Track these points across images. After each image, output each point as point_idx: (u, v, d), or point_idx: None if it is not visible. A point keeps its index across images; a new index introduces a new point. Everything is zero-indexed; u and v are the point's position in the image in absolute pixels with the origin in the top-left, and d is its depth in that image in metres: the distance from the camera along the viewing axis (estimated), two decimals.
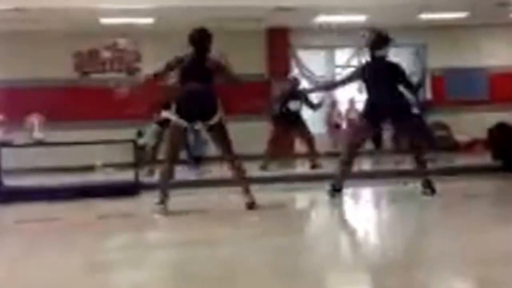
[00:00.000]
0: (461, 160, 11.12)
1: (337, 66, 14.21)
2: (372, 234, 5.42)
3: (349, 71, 7.21)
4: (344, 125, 13.86)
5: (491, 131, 10.15)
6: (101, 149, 10.01)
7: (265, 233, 5.18)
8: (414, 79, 7.09)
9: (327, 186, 6.88)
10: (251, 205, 6.26)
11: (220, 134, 6.36)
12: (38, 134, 8.40)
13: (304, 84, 13.25)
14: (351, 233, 5.59)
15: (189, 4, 11.11)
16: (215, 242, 4.85)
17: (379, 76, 6.77)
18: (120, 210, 6.83)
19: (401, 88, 6.87)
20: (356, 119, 8.22)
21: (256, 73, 12.52)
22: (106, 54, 13.55)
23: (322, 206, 6.83)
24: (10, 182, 8.42)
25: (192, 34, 6.34)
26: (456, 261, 3.98)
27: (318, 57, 14.56)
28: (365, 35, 7.00)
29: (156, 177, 8.68)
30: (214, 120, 6.27)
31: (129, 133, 11.44)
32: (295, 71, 13.98)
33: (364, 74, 6.90)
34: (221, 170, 6.68)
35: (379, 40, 6.89)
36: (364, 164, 10.21)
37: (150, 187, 7.88)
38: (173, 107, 6.34)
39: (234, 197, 6.59)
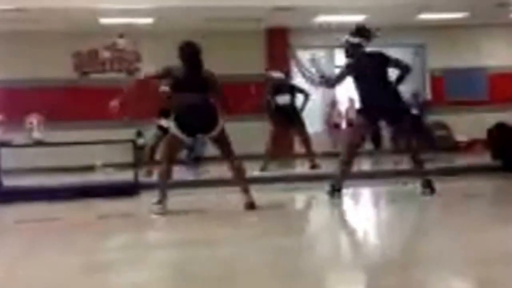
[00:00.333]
0: (461, 160, 11.12)
1: (337, 66, 14.20)
2: (372, 234, 5.42)
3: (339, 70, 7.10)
4: (343, 125, 13.87)
5: (490, 131, 10.15)
6: (101, 149, 10.02)
7: (265, 233, 5.18)
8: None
9: (326, 186, 6.88)
10: (250, 205, 6.26)
11: (221, 140, 6.35)
12: (37, 134, 8.39)
13: (302, 83, 13.30)
14: (351, 233, 5.59)
15: (189, 4, 11.11)
16: (215, 242, 4.85)
17: (367, 71, 6.70)
18: (120, 210, 6.84)
19: (394, 75, 6.82)
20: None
21: (255, 73, 12.52)
22: (105, 54, 13.55)
23: (322, 206, 6.83)
24: (10, 182, 8.42)
25: (182, 50, 6.22)
26: (455, 261, 3.98)
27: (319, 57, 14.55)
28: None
29: (154, 178, 8.69)
30: (216, 131, 6.25)
31: (128, 133, 11.45)
32: (295, 71, 14.01)
33: (351, 71, 6.79)
34: (220, 170, 6.68)
35: (355, 33, 6.79)
36: (364, 164, 10.22)
37: (149, 187, 7.88)
38: (172, 118, 6.29)
39: (233, 197, 6.59)
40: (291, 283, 3.55)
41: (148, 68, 13.07)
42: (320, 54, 14.44)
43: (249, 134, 12.55)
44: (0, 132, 9.42)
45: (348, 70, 6.84)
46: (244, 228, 5.69)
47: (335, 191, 6.77)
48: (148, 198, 6.85)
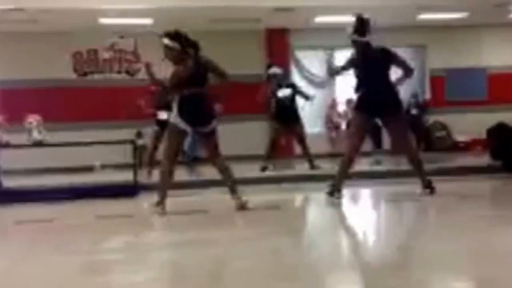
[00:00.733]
0: (460, 160, 11.12)
1: (333, 67, 14.18)
2: (371, 234, 5.42)
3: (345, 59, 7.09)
4: (343, 126, 13.87)
5: (490, 131, 10.15)
6: (100, 149, 10.02)
7: (264, 234, 5.18)
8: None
9: (326, 186, 6.87)
10: (241, 207, 6.28)
11: (212, 138, 6.38)
12: (37, 135, 8.39)
13: (300, 82, 13.30)
14: (350, 233, 5.58)
15: (188, 5, 11.11)
16: (213, 242, 4.84)
17: (370, 64, 6.70)
18: (119, 211, 6.83)
19: (396, 73, 6.81)
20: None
21: (255, 73, 12.51)
22: (105, 55, 13.56)
23: (321, 207, 6.82)
24: (9, 183, 8.42)
25: (176, 36, 6.22)
26: (455, 261, 3.98)
27: (318, 57, 14.55)
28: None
29: (154, 178, 8.69)
30: (211, 127, 6.30)
31: (128, 133, 11.46)
32: (294, 71, 14.03)
33: (355, 62, 6.80)
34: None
35: (358, 25, 6.77)
36: (364, 164, 10.21)
37: (149, 188, 7.88)
38: (175, 109, 6.32)
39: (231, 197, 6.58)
40: (290, 283, 3.54)
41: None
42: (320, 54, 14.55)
43: (249, 134, 12.57)
44: None
45: (353, 59, 6.84)
46: (243, 229, 5.69)
47: (335, 191, 6.76)
48: (147, 199, 6.85)
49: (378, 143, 12.97)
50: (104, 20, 12.02)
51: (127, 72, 13.65)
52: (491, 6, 12.26)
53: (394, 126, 6.88)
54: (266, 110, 10.23)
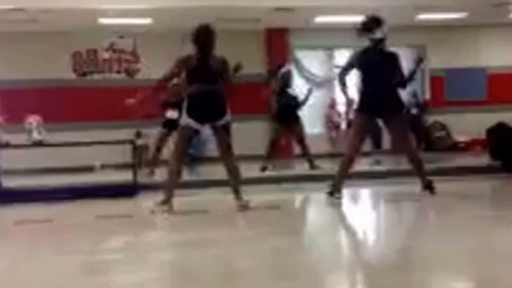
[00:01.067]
0: (460, 160, 11.12)
1: (337, 67, 14.20)
2: (371, 235, 5.42)
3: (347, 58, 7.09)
4: (343, 126, 13.87)
5: (489, 132, 10.15)
6: (100, 150, 10.02)
7: (264, 234, 5.17)
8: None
9: (326, 186, 6.87)
10: (242, 208, 6.28)
11: (223, 134, 6.37)
12: (37, 135, 8.38)
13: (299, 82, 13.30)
14: (350, 233, 5.58)
15: (188, 5, 11.12)
16: (213, 242, 4.84)
17: (374, 65, 6.70)
18: (119, 211, 6.83)
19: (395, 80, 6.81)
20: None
21: (255, 73, 12.52)
22: (104, 55, 13.56)
23: (321, 207, 6.82)
24: (9, 183, 8.42)
25: (194, 32, 6.30)
26: (455, 261, 3.98)
27: (318, 57, 14.58)
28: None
29: (156, 178, 8.70)
30: (224, 121, 6.29)
31: (128, 133, 11.45)
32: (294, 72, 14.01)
33: (360, 60, 6.77)
34: (219, 171, 6.69)
35: (369, 21, 6.77)
36: (364, 164, 10.21)
37: (148, 188, 7.88)
38: (184, 108, 6.32)
39: (232, 197, 6.58)
40: (290, 283, 3.54)
41: (147, 68, 13.15)
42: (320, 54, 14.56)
43: (249, 134, 12.57)
44: None
45: (353, 59, 6.83)
46: (243, 229, 5.69)
47: (335, 191, 6.76)
48: (147, 199, 6.84)
49: (378, 143, 12.98)
50: (104, 20, 12.02)
51: (127, 72, 13.65)
52: (490, 6, 12.27)
53: (395, 125, 6.88)
54: (267, 110, 10.24)
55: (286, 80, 9.96)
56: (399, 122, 6.85)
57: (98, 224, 6.13)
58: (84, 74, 13.52)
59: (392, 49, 6.98)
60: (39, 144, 8.46)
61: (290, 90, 9.93)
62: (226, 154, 6.42)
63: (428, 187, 6.84)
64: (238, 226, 5.88)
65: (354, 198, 7.53)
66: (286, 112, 9.76)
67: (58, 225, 6.13)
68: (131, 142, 9.04)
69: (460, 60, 14.47)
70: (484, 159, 9.97)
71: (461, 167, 9.60)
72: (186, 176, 9.51)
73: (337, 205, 6.61)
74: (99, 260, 4.41)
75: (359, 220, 6.13)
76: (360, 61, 6.77)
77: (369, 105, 6.69)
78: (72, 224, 6.14)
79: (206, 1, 11.09)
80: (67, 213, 6.86)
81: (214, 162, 8.78)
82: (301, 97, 10.03)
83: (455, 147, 13.75)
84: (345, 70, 6.94)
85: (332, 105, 14.19)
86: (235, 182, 6.44)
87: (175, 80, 7.10)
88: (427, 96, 14.69)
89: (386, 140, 12.71)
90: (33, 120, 8.42)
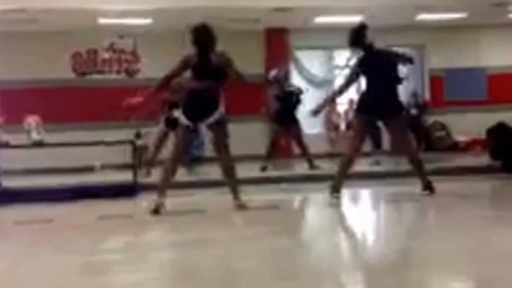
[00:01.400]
0: (460, 161, 11.12)
1: (337, 67, 14.21)
2: (371, 234, 5.42)
3: (347, 71, 7.19)
4: (343, 126, 13.86)
5: (489, 132, 10.15)
6: (100, 150, 10.01)
7: (263, 234, 5.18)
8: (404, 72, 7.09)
9: (326, 187, 6.87)
10: (239, 208, 6.27)
11: (218, 131, 6.36)
12: (36, 135, 8.38)
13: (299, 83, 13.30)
14: (349, 233, 5.58)
15: (187, 5, 11.12)
16: (212, 242, 4.84)
17: (374, 69, 6.77)
18: (119, 211, 6.83)
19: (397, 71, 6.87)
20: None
21: (255, 73, 12.51)
22: (104, 55, 13.55)
23: (321, 207, 6.82)
24: (9, 183, 8.41)
25: (192, 34, 6.30)
26: (454, 261, 3.98)
27: (317, 57, 14.58)
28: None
29: (153, 178, 8.68)
30: (214, 117, 6.26)
31: (128, 134, 11.44)
32: (294, 72, 14.02)
33: (361, 68, 6.86)
34: (217, 171, 6.69)
35: (354, 35, 6.86)
36: (363, 165, 10.20)
37: (148, 188, 7.88)
38: (181, 107, 6.35)
39: (231, 198, 6.58)
40: (290, 283, 3.54)
41: (146, 69, 13.15)
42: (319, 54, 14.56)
43: (248, 134, 12.56)
44: None
45: (354, 70, 6.91)
46: (243, 229, 5.69)
47: (335, 191, 6.76)
48: (147, 199, 6.84)
49: (377, 144, 12.96)
50: (104, 20, 12.02)
51: (127, 72, 13.64)
52: (490, 6, 12.27)
53: (394, 127, 6.90)
54: (266, 112, 10.28)
55: (281, 81, 10.03)
56: (399, 123, 6.87)
57: (98, 224, 6.13)
58: (84, 74, 13.51)
59: (392, 49, 7.01)
60: (38, 144, 8.46)
61: (291, 88, 9.99)
62: (222, 153, 6.42)
63: (428, 187, 6.84)
64: (237, 226, 5.88)
65: (354, 199, 7.54)
66: (285, 111, 9.80)
67: (58, 225, 6.13)
68: (131, 142, 9.04)
69: (460, 60, 14.46)
70: (484, 159, 9.97)
71: (461, 167, 9.60)
72: (185, 176, 9.54)
73: (336, 205, 6.61)
74: (99, 260, 4.42)
75: (359, 220, 6.14)
76: (361, 70, 6.86)
77: (369, 106, 6.72)
78: (72, 224, 6.14)
79: (206, 1, 11.09)
80: (67, 213, 6.86)
81: (214, 162, 8.78)
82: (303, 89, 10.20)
83: (455, 147, 13.74)
84: (348, 83, 7.02)
85: (332, 105, 14.16)
86: (232, 182, 6.43)
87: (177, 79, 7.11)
88: (427, 96, 14.69)
89: (386, 141, 12.69)
90: (32, 120, 8.42)
